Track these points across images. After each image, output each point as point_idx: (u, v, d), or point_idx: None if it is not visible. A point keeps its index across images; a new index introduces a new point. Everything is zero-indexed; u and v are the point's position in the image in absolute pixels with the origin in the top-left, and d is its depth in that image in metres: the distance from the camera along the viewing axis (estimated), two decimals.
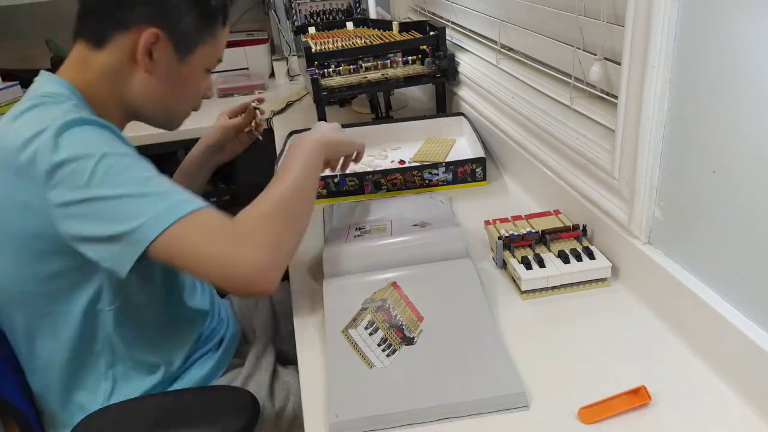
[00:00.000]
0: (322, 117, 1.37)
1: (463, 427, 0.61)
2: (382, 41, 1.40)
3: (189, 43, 0.83)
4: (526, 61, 1.10)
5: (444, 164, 1.12)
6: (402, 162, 1.22)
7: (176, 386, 0.90)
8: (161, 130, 0.93)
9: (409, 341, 0.72)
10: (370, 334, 0.73)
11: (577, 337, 0.73)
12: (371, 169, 1.14)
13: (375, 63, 1.38)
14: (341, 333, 0.74)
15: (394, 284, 0.80)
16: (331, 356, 0.71)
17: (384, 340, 0.71)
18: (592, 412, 0.61)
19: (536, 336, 0.73)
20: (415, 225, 0.92)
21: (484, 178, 1.14)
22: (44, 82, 0.80)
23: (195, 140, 1.20)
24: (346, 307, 0.77)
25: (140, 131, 0.97)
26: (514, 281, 0.83)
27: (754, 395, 0.61)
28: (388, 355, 0.69)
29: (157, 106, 0.86)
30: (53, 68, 0.82)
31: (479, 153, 1.14)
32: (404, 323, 0.74)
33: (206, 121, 1.20)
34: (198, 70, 0.86)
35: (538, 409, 0.62)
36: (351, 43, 1.45)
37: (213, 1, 0.83)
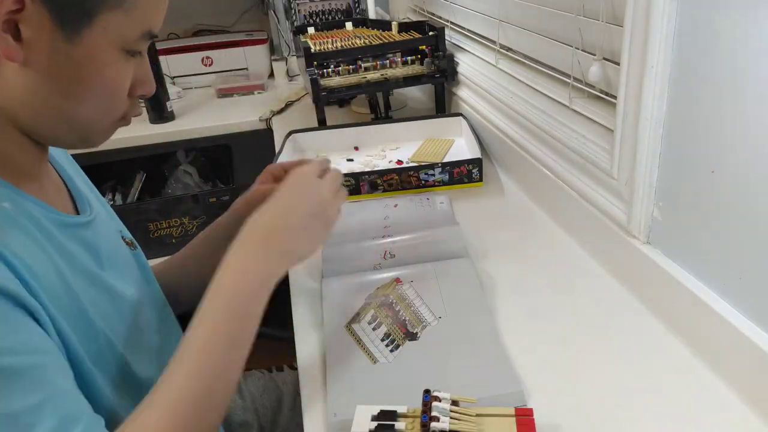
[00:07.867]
0: (321, 117, 1.37)
1: None
2: (381, 41, 1.40)
3: (79, 10, 0.51)
4: (525, 61, 1.10)
5: (440, 165, 1.12)
6: (400, 162, 1.22)
7: None
8: (157, 128, 0.68)
9: (412, 336, 0.72)
10: (374, 329, 0.73)
11: (575, 336, 0.73)
12: (368, 169, 1.14)
13: (374, 63, 1.37)
14: (345, 328, 0.74)
15: (397, 280, 0.80)
16: (332, 352, 0.70)
17: (387, 335, 0.71)
18: None
19: (534, 335, 0.73)
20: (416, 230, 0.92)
21: (480, 179, 1.14)
22: None
23: (196, 140, 1.02)
24: (349, 303, 0.77)
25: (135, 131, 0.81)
26: None
27: (753, 395, 0.61)
28: (391, 351, 0.69)
29: (47, 116, 0.55)
30: None
31: (477, 154, 1.15)
32: (407, 318, 0.74)
33: (209, 118, 0.89)
34: (104, 52, 0.54)
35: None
36: (350, 43, 1.45)
37: None
